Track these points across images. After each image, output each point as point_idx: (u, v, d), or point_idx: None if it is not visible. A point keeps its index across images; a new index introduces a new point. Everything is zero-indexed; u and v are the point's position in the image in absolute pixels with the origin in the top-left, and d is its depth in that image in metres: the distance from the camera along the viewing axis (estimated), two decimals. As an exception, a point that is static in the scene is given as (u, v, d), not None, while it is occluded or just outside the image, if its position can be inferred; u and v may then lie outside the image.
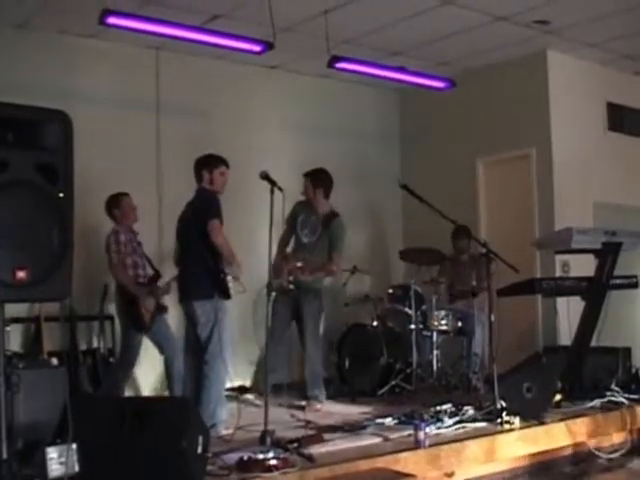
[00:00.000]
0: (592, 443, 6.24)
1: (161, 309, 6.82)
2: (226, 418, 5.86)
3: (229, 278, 5.82)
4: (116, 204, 6.95)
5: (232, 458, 4.70)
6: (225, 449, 4.99)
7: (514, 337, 8.19)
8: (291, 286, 7.14)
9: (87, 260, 7.09)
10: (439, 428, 5.65)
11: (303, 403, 7.15)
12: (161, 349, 6.83)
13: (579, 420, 6.14)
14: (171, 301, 6.84)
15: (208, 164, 6.18)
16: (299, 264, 7.13)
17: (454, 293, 8.31)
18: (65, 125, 3.86)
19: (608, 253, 7.09)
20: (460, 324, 7.98)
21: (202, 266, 5.89)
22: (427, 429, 5.28)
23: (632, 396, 6.75)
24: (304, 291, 7.23)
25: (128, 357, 6.83)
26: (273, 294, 7.12)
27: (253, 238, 7.41)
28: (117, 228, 6.86)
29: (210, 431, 5.31)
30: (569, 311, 7.35)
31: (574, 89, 9.02)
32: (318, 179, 7.39)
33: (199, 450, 4.30)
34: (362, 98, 9.98)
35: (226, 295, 5.85)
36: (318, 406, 7.08)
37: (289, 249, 7.47)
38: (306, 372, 7.27)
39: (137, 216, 7.04)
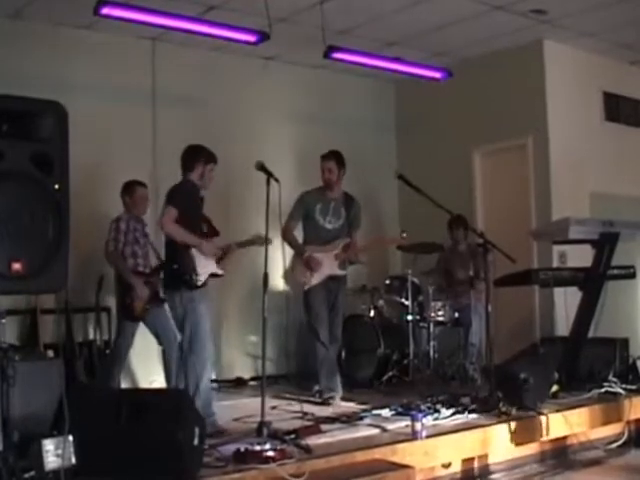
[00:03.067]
0: (589, 434, 6.25)
1: (159, 300, 6.81)
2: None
3: (199, 267, 5.70)
4: (129, 191, 6.96)
5: (229, 449, 4.70)
6: (222, 440, 5.00)
7: (511, 328, 8.21)
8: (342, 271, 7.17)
9: (83, 252, 7.06)
10: (436, 419, 5.66)
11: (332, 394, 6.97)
12: (159, 340, 6.81)
13: (576, 411, 6.15)
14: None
15: (203, 158, 6.04)
16: (340, 246, 7.14)
17: (452, 292, 8.28)
18: (60, 116, 3.84)
19: (605, 243, 7.10)
20: (457, 315, 7.98)
21: (168, 257, 5.93)
22: (424, 420, 5.29)
23: (629, 387, 6.77)
24: (338, 280, 7.21)
25: (120, 346, 6.82)
26: (307, 287, 7.05)
27: (250, 229, 7.39)
28: (121, 216, 6.84)
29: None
30: (566, 302, 7.37)
31: (571, 79, 9.01)
32: (342, 159, 7.30)
33: (195, 442, 4.30)
34: (358, 89, 9.96)
35: (188, 286, 5.71)
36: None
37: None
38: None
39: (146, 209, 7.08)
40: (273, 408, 6.33)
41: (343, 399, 6.92)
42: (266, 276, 5.16)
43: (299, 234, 7.26)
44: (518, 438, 5.69)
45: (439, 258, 8.48)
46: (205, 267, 5.76)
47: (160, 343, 6.80)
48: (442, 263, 8.45)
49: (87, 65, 7.87)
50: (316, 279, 7.02)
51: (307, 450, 4.79)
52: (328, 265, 7.05)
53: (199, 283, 5.69)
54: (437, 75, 8.53)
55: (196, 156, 6.04)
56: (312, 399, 6.91)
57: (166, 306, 6.81)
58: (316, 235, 7.16)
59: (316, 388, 7.11)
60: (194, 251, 5.76)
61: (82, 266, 7.22)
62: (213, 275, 5.90)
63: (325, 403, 6.80)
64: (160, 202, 7.78)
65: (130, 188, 6.97)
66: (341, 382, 7.15)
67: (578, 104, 9.06)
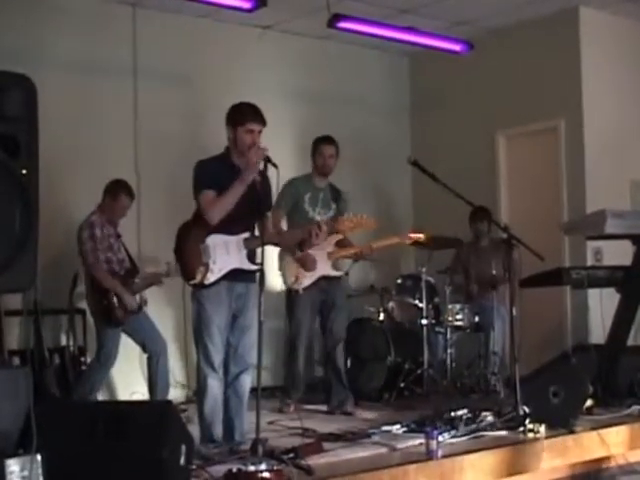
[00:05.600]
0: (629, 456, 6.23)
1: (138, 305, 6.88)
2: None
3: (212, 262, 5.44)
4: (113, 195, 6.94)
5: (219, 470, 4.69)
6: (211, 460, 5.00)
7: (539, 334, 8.20)
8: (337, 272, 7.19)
9: (55, 246, 7.08)
10: (453, 437, 5.64)
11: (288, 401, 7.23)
12: (144, 346, 6.91)
13: (614, 429, 6.13)
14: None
15: (231, 118, 5.60)
16: (332, 243, 7.04)
17: (472, 292, 8.28)
18: (28, 91, 3.85)
19: (647, 239, 7.10)
20: (477, 319, 7.99)
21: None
22: (440, 438, 5.28)
23: (674, 402, 6.76)
24: (332, 280, 7.19)
25: (105, 357, 6.84)
26: (301, 289, 7.00)
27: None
28: (94, 220, 6.82)
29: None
30: (602, 305, 7.33)
31: (610, 51, 8.98)
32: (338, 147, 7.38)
33: (181, 461, 4.30)
34: (367, 63, 9.96)
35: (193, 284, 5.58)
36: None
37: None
38: (340, 365, 7.29)
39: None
40: (270, 423, 6.34)
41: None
42: (262, 274, 5.13)
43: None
44: (546, 459, 5.68)
45: (456, 255, 8.48)
46: (224, 262, 5.47)
47: (145, 350, 6.89)
48: (461, 260, 8.45)
49: (58, 34, 7.84)
50: (308, 280, 6.99)
51: (308, 471, 4.78)
52: (321, 264, 7.01)
53: (207, 282, 5.46)
54: (457, 48, 8.53)
55: (226, 118, 5.64)
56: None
57: (146, 310, 6.91)
58: (303, 226, 6.88)
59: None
60: (209, 241, 5.47)
61: (54, 262, 7.23)
62: (237, 272, 5.52)
63: (280, 410, 7.13)
64: (143, 192, 7.84)
65: (116, 192, 6.96)
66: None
67: (617, 80, 9.03)
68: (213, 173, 5.52)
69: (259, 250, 5.42)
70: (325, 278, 7.10)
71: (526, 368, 6.36)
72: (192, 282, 5.52)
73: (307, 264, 6.90)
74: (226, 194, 5.38)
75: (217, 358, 5.50)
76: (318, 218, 7.08)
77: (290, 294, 7.14)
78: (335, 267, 7.19)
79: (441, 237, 8.04)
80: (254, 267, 5.50)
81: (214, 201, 5.41)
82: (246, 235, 5.53)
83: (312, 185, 7.29)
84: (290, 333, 7.31)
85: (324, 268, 7.04)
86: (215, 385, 5.51)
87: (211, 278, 5.46)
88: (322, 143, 7.31)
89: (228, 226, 5.46)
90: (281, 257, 7.10)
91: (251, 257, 5.56)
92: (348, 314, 7.50)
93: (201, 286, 5.49)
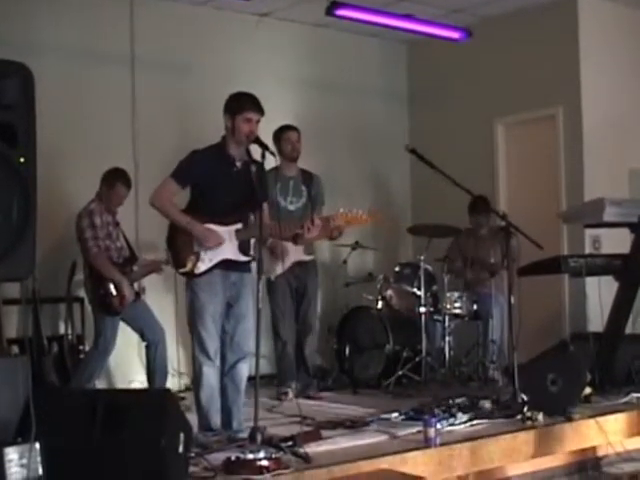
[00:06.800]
0: (627, 443, 6.25)
1: (135, 294, 6.88)
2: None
3: (204, 252, 5.46)
4: (109, 184, 6.92)
5: (218, 458, 4.71)
6: (209, 448, 5.01)
7: (537, 322, 8.19)
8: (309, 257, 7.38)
9: (53, 234, 7.07)
10: (452, 425, 5.67)
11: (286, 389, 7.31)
12: (142, 335, 6.94)
13: (612, 417, 6.14)
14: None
15: (229, 107, 5.57)
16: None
17: (469, 280, 8.29)
18: (25, 80, 3.83)
19: (645, 227, 7.09)
20: (476, 307, 7.98)
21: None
22: (438, 426, 5.29)
23: (672, 389, 6.77)
24: (306, 266, 7.39)
25: (103, 345, 6.85)
26: (273, 276, 7.18)
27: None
28: (93, 208, 6.83)
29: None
30: (600, 293, 7.34)
31: (608, 38, 8.94)
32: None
33: (180, 449, 4.30)
34: (365, 50, 9.93)
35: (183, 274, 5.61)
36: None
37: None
38: (308, 353, 7.47)
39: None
40: (268, 411, 6.36)
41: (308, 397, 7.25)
42: (260, 262, 5.14)
43: None
44: (544, 447, 5.70)
45: (455, 243, 8.46)
46: (215, 252, 5.47)
47: (143, 338, 6.92)
48: (459, 248, 8.44)
49: (55, 22, 7.81)
50: (281, 267, 7.09)
51: (306, 459, 4.79)
52: (292, 251, 7.06)
53: (197, 271, 5.48)
54: (455, 35, 8.52)
55: (225, 107, 5.60)
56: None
57: (144, 298, 6.92)
58: (277, 219, 6.93)
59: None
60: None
61: (52, 250, 7.23)
62: (230, 262, 5.53)
63: (278, 398, 7.12)
64: (140, 182, 7.82)
65: (112, 181, 6.93)
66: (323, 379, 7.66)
67: (616, 68, 9.00)
68: (202, 164, 5.55)
69: (253, 241, 5.48)
70: (298, 264, 7.28)
71: (524, 356, 6.37)
72: (182, 270, 5.55)
73: (276, 252, 6.96)
74: (178, 218, 5.49)
75: (212, 347, 5.50)
76: (291, 207, 7.32)
77: (268, 283, 7.27)
78: (307, 252, 7.33)
79: (439, 225, 8.05)
80: (246, 258, 5.57)
81: (168, 201, 5.51)
82: (238, 226, 5.54)
83: (281, 175, 7.28)
84: (273, 321, 7.41)
85: (296, 254, 7.17)
86: (211, 374, 5.52)
87: (202, 267, 5.48)
88: (287, 130, 7.47)
89: (221, 216, 5.49)
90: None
91: (243, 248, 5.57)
92: (319, 300, 7.76)
93: (192, 275, 5.51)
